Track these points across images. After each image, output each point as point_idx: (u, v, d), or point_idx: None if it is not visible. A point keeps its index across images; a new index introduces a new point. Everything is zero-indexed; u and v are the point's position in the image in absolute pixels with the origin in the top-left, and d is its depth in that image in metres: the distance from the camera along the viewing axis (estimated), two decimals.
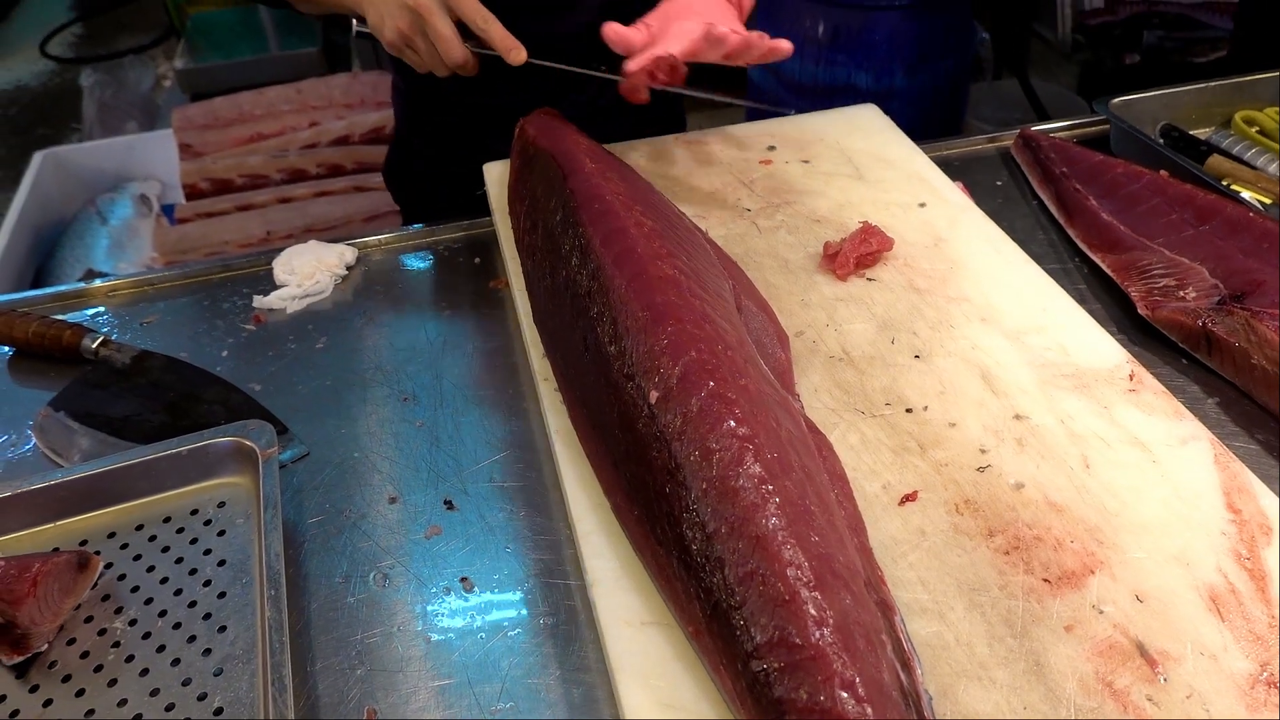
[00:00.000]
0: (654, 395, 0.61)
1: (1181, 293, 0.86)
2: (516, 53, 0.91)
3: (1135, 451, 0.69)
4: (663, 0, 0.97)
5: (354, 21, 0.96)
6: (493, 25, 0.91)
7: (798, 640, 0.50)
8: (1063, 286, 0.85)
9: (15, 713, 0.60)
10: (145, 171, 2.36)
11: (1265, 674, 0.56)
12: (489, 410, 0.83)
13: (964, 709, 0.55)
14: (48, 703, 0.60)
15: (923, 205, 0.96)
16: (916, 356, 0.78)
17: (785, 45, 0.92)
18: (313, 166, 2.11)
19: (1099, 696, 0.55)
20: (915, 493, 0.67)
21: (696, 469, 0.58)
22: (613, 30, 0.90)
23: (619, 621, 0.60)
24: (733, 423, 0.59)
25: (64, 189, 2.26)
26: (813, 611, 0.51)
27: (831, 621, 0.51)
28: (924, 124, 2.06)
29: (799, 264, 0.89)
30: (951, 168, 1.11)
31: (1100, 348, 0.78)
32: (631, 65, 0.91)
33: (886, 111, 1.12)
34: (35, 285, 1.97)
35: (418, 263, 1.04)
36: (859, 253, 0.86)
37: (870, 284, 0.86)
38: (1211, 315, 0.82)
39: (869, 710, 0.48)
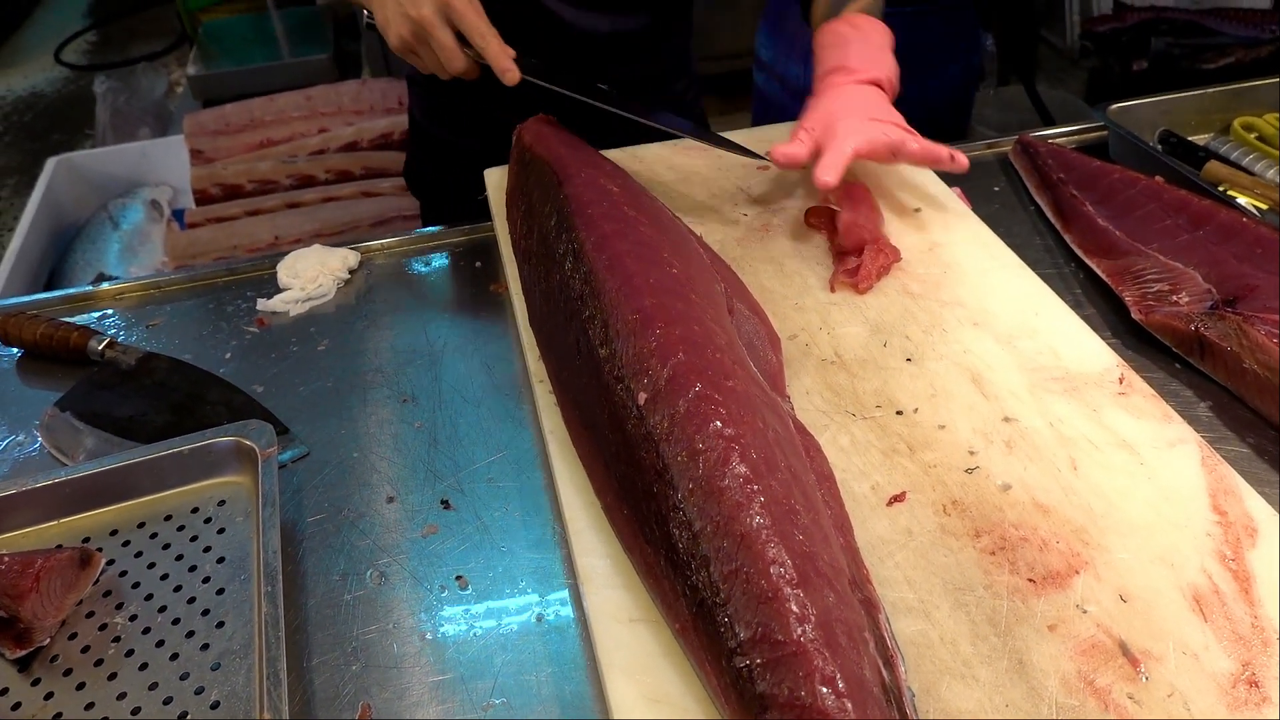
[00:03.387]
0: (642, 397, 0.62)
1: (1175, 297, 0.87)
2: (510, 74, 0.90)
3: (1123, 454, 0.70)
4: (814, 98, 0.96)
5: (364, 14, 0.98)
6: (490, 42, 0.90)
7: (780, 637, 0.51)
8: (1058, 291, 0.86)
9: (18, 705, 0.61)
10: (157, 177, 2.39)
11: (1247, 673, 0.56)
12: (486, 412, 0.84)
13: (947, 706, 0.55)
14: (49, 696, 0.62)
15: (918, 211, 0.97)
16: (908, 360, 0.79)
17: (963, 160, 0.94)
18: (321, 172, 2.13)
19: (1080, 695, 0.55)
20: (904, 493, 0.68)
21: (683, 469, 0.59)
22: (782, 155, 0.91)
23: (608, 618, 0.61)
24: (719, 423, 0.60)
25: (77, 194, 2.29)
26: (795, 609, 0.52)
27: (814, 618, 0.52)
28: (929, 130, 2.07)
29: (793, 268, 0.90)
30: (949, 174, 1.12)
31: (1091, 351, 0.79)
32: (830, 178, 0.88)
33: None
34: (48, 288, 2.00)
35: (420, 267, 1.05)
36: (879, 265, 0.87)
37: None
38: (1204, 320, 0.82)
39: (849, 705, 0.49)
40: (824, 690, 0.49)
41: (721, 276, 0.79)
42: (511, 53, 0.91)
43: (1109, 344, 0.81)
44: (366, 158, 2.15)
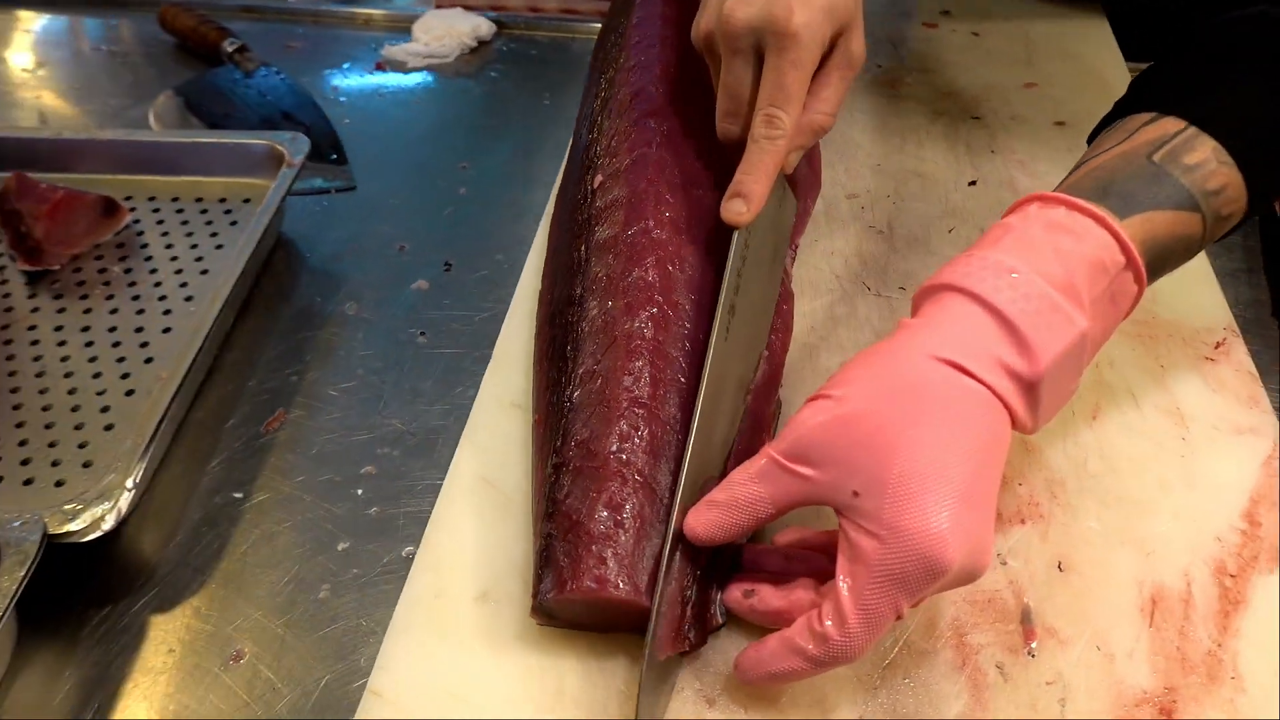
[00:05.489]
0: (598, 180, 0.57)
1: None
2: (734, 210, 0.51)
3: (1166, 421, 0.56)
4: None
5: None
6: (773, 149, 0.51)
7: (595, 448, 0.46)
8: None
9: (10, 309, 0.68)
10: None
11: (1167, 698, 0.44)
12: (522, 194, 0.82)
13: None
14: (35, 310, 0.68)
15: (1079, 101, 0.80)
16: None
17: None
18: None
19: (937, 642, 0.46)
20: None
21: (599, 257, 0.53)
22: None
23: (493, 398, 0.58)
24: (652, 222, 0.53)
25: None
26: (624, 427, 0.46)
27: (640, 444, 0.46)
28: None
29: (895, 129, 0.78)
30: None
31: (1203, 303, 0.63)
32: None
33: None
34: None
35: (544, 51, 1.02)
36: None
37: (964, 171, 0.74)
38: None
39: (621, 537, 0.43)
40: (603, 513, 0.44)
41: None
42: (763, 194, 0.52)
43: (1224, 299, 0.63)
44: None
